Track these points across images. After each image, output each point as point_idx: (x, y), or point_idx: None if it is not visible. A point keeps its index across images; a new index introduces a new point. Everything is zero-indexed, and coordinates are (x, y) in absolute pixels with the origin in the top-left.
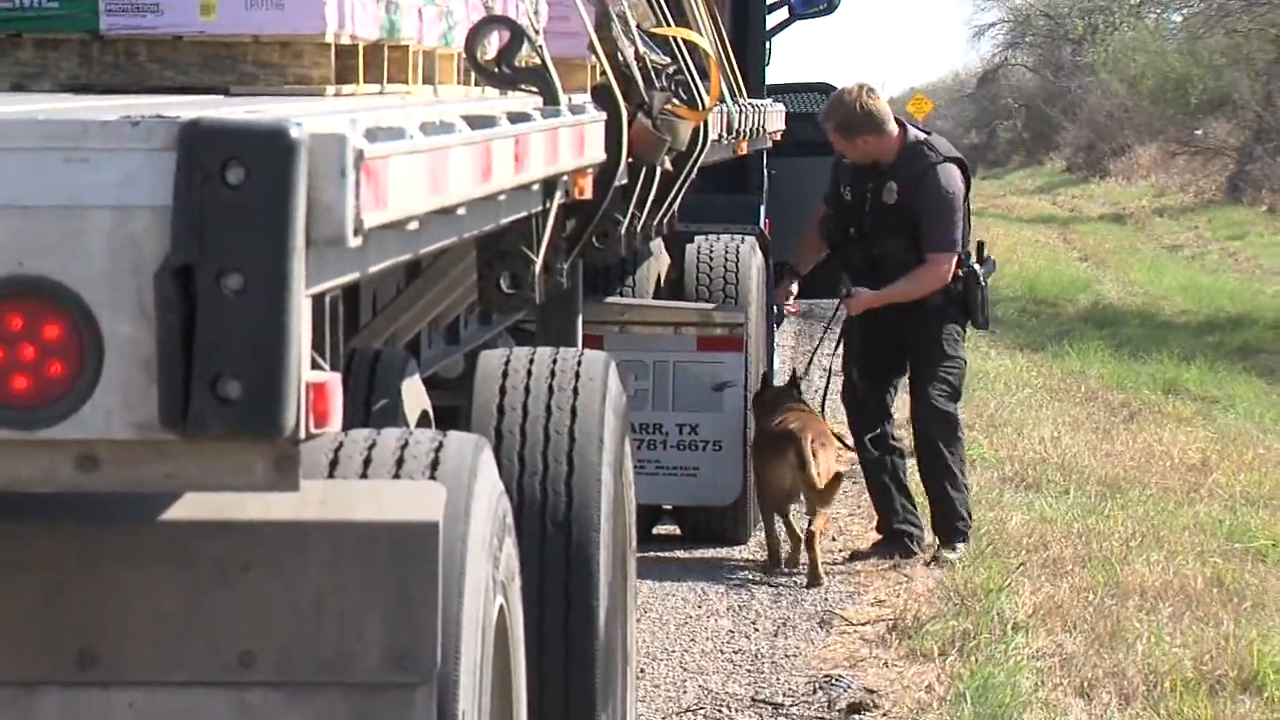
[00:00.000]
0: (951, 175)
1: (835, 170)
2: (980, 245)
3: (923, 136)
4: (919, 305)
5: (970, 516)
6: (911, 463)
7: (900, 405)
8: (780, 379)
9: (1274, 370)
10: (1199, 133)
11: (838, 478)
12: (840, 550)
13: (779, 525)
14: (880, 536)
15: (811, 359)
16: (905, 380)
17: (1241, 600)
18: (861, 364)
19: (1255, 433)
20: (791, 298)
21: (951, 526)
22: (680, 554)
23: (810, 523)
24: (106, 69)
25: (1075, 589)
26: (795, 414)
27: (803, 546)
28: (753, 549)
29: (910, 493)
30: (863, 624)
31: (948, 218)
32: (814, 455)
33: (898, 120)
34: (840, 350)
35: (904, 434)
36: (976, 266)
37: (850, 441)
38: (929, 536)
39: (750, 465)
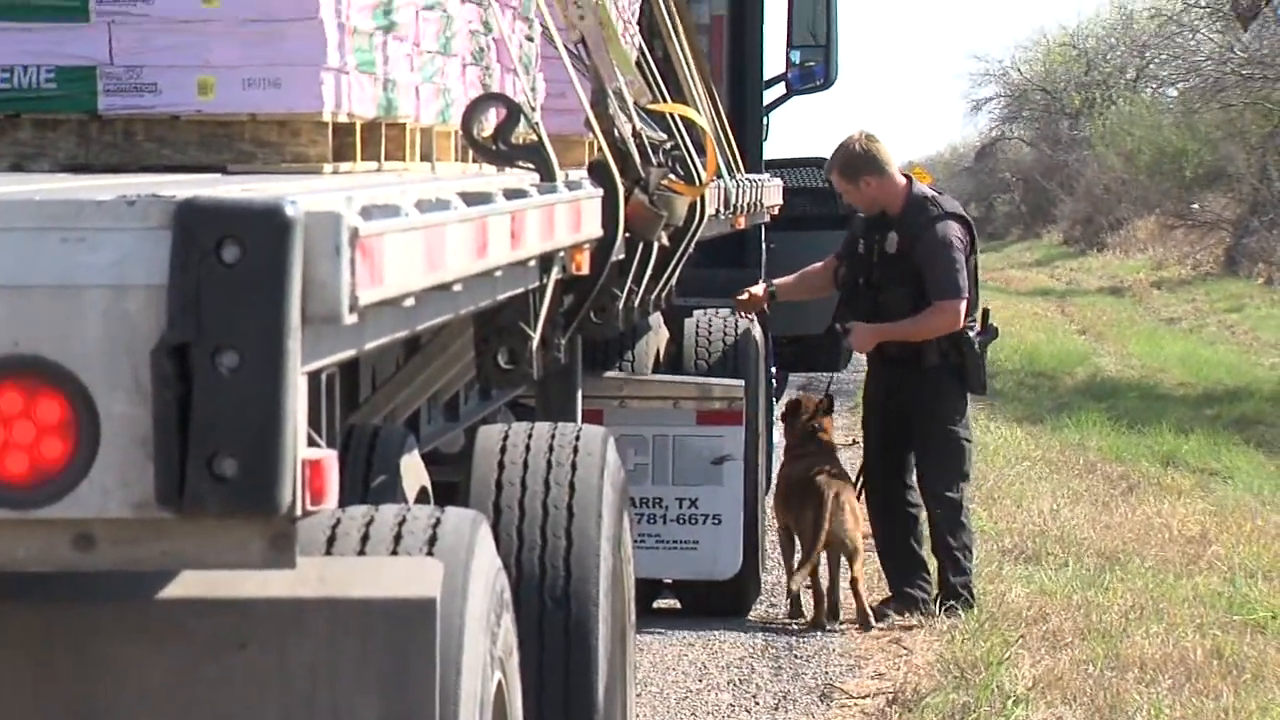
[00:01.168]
0: (950, 229)
1: (851, 226)
2: (985, 313)
3: (929, 193)
4: (916, 366)
5: (971, 593)
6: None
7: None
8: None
9: (1272, 442)
10: (1195, 206)
11: (849, 538)
12: (840, 625)
13: (803, 584)
14: (889, 595)
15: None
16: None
17: (1241, 672)
18: (876, 428)
19: (1254, 504)
20: (758, 307)
21: (949, 596)
22: (680, 628)
23: (851, 568)
24: (105, 149)
25: (1075, 661)
26: (823, 468)
27: (846, 595)
28: (754, 619)
29: (923, 558)
30: (863, 697)
31: (949, 265)
32: (835, 512)
33: (905, 175)
34: (861, 414)
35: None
36: (970, 334)
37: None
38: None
39: (769, 512)
